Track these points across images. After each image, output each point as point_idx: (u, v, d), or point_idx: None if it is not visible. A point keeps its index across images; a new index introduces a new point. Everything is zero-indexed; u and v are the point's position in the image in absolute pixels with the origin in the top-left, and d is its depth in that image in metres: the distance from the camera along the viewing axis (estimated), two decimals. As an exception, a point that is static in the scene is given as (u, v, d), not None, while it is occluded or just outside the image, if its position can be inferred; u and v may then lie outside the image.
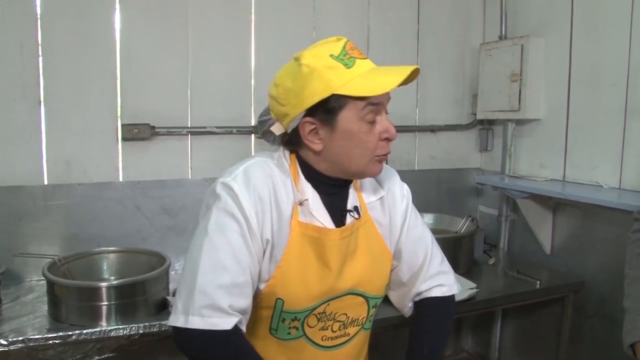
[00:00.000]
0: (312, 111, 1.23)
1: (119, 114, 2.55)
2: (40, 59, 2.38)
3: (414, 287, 1.49)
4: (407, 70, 1.20)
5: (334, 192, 1.35)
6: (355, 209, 1.37)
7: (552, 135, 2.92)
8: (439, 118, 3.32)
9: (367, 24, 3.04)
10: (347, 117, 1.23)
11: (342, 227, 1.33)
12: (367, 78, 1.21)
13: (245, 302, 1.20)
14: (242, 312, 1.19)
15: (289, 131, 1.30)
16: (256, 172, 1.25)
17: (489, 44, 3.11)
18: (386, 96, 1.26)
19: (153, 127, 2.58)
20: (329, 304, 1.33)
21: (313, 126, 1.25)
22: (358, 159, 1.27)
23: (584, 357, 2.76)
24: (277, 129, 1.31)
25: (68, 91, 2.44)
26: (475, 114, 3.31)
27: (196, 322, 1.14)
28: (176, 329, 1.17)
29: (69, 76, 2.44)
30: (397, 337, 3.05)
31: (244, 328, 1.21)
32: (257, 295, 1.28)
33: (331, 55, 1.22)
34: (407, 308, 1.54)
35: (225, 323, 1.15)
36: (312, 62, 1.22)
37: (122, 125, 2.54)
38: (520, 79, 2.89)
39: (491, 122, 3.36)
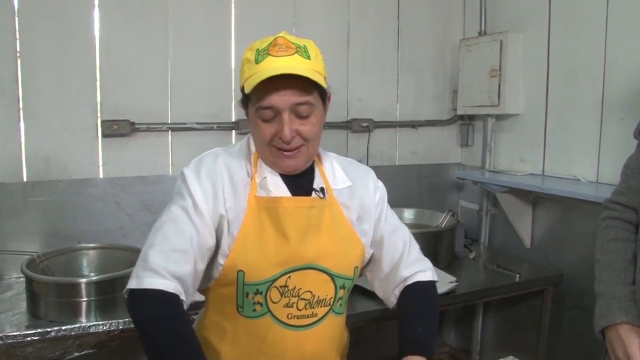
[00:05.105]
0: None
1: (98, 110, 2.54)
2: (19, 54, 2.36)
3: (397, 274, 1.53)
4: (280, 70, 1.24)
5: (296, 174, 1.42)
6: (322, 190, 1.43)
7: (531, 130, 2.95)
8: (420, 113, 3.34)
9: (347, 20, 3.04)
10: (250, 109, 1.35)
11: (296, 197, 1.40)
12: (260, 74, 1.26)
13: (184, 268, 1.26)
14: (179, 278, 1.24)
15: None
16: (208, 159, 1.40)
17: (469, 39, 3.14)
18: (284, 102, 1.28)
19: (133, 123, 2.57)
20: (290, 277, 1.35)
21: (246, 109, 1.39)
22: (260, 147, 1.38)
23: (563, 349, 2.79)
24: None
25: (47, 87, 2.43)
26: (455, 110, 3.34)
27: (132, 284, 1.23)
28: (126, 297, 1.25)
29: (48, 72, 2.42)
30: (379, 331, 3.07)
31: (184, 298, 1.25)
32: (220, 272, 1.35)
33: (257, 49, 1.32)
34: (392, 297, 1.55)
35: (158, 283, 1.21)
36: (245, 53, 1.35)
37: (102, 121, 2.53)
38: (500, 74, 2.91)
39: (471, 118, 3.39)
